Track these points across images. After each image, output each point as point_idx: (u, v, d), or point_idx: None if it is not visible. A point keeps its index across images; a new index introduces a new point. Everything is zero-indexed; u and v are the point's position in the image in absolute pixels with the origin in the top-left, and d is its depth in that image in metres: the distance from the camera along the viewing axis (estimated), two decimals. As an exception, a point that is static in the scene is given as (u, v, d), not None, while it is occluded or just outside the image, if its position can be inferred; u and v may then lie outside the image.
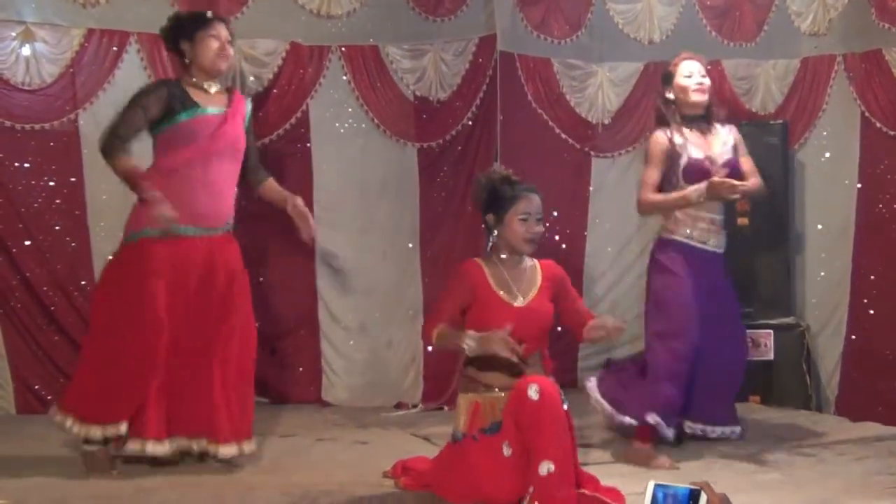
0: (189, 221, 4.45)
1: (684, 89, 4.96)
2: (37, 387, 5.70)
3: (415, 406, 6.11)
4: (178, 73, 4.84)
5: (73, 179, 5.78)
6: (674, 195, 4.85)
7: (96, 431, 4.36)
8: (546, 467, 3.68)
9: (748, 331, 5.43)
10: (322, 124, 6.12)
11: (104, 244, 5.82)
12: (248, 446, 4.54)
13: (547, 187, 6.37)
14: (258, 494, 4.10)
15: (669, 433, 4.76)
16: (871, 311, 5.97)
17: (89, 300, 4.76)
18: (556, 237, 6.44)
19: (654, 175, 4.90)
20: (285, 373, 6.16)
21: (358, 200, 6.24)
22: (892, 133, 5.91)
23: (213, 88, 4.60)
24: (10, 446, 4.88)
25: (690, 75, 4.97)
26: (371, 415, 5.88)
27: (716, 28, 6.62)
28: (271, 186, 4.86)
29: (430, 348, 6.17)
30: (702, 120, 4.99)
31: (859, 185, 6.07)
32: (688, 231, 4.89)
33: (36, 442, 4.97)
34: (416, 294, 6.27)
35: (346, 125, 6.20)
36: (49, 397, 5.67)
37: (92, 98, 5.77)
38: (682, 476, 4.26)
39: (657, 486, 2.46)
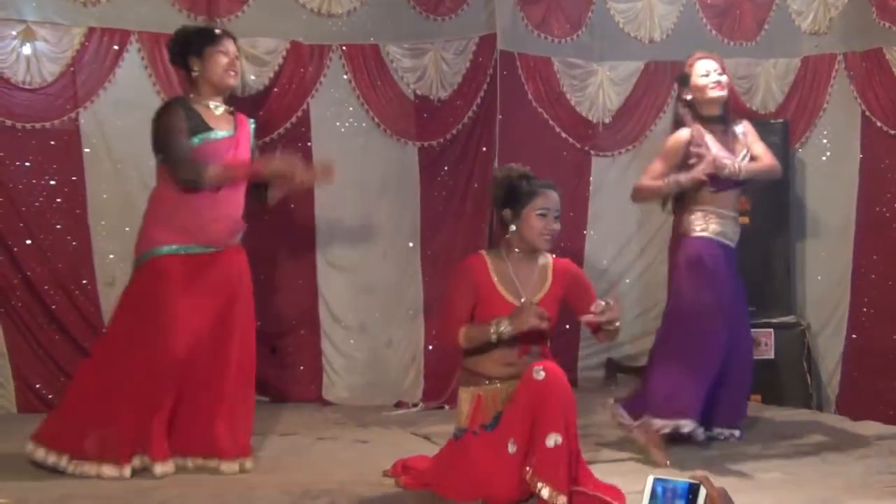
0: (200, 242, 4.45)
1: (702, 88, 4.93)
2: (38, 386, 5.70)
3: (415, 405, 6.10)
4: (184, 89, 4.83)
5: (73, 178, 5.78)
6: (654, 185, 4.87)
7: (107, 469, 4.28)
8: (553, 439, 3.69)
9: (749, 330, 5.45)
10: (323, 123, 6.13)
11: (105, 243, 5.84)
12: (249, 463, 4.54)
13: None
14: (258, 493, 4.10)
15: (701, 435, 4.78)
16: (872, 311, 5.97)
17: (109, 328, 4.65)
18: (556, 236, 6.45)
19: (658, 167, 4.90)
20: (286, 372, 6.17)
21: (358, 199, 6.24)
22: (892, 132, 5.92)
23: (220, 109, 4.57)
24: (10, 445, 4.86)
25: (707, 74, 4.94)
26: (371, 414, 5.88)
27: (716, 27, 6.62)
28: (271, 192, 4.82)
29: (428, 348, 6.23)
30: (720, 121, 4.95)
31: (860, 184, 6.07)
32: (718, 228, 4.89)
33: (36, 441, 4.97)
34: (416, 293, 6.27)
35: (347, 124, 6.20)
36: (50, 396, 5.69)
37: (93, 97, 5.76)
38: (682, 473, 4.26)
39: (656, 479, 2.46)
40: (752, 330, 5.69)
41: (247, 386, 4.63)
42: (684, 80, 5.01)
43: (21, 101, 5.66)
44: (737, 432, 5.03)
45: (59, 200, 5.78)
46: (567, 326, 6.15)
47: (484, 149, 6.20)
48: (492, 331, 3.88)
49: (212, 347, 4.47)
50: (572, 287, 4.14)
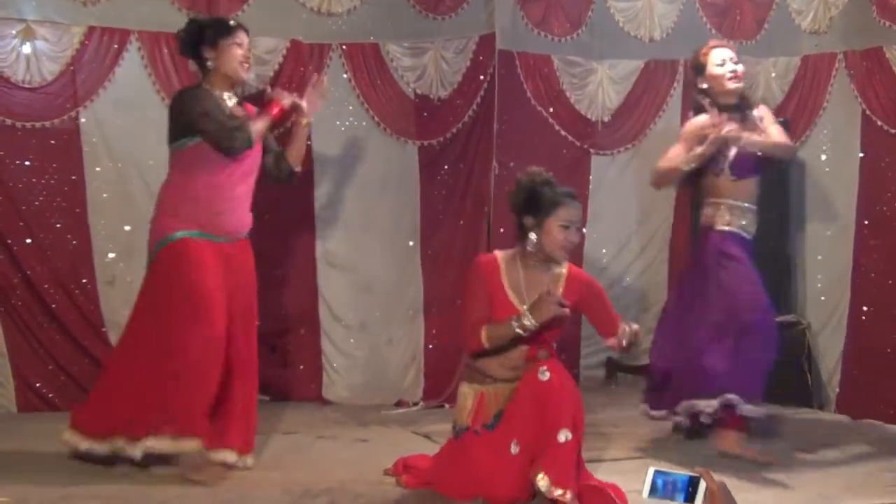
0: (215, 232, 4.45)
1: (718, 78, 4.91)
2: (38, 385, 5.70)
3: (415, 404, 6.10)
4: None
5: (73, 177, 5.77)
6: (671, 164, 4.86)
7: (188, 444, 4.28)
8: (564, 435, 3.71)
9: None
10: (322, 122, 6.12)
11: (105, 242, 5.84)
12: (251, 460, 4.56)
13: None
14: (259, 492, 4.11)
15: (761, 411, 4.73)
16: (873, 309, 5.96)
17: (133, 319, 4.56)
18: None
19: (678, 150, 4.87)
20: (286, 371, 6.16)
21: (358, 198, 6.24)
22: (892, 131, 5.90)
23: (232, 101, 4.55)
24: (10, 444, 4.88)
25: (723, 63, 4.91)
26: (372, 412, 5.88)
27: (716, 26, 6.62)
28: (290, 153, 4.81)
29: (428, 346, 6.23)
30: (736, 108, 4.93)
31: (860, 183, 6.06)
32: (743, 223, 4.88)
33: (37, 440, 4.95)
34: (416, 292, 6.27)
35: (347, 123, 6.20)
36: (50, 395, 5.69)
37: (92, 96, 5.75)
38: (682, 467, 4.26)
39: (657, 472, 2.46)
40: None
41: (252, 383, 4.63)
42: (699, 68, 4.98)
43: (21, 100, 5.65)
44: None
45: (58, 199, 5.76)
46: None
47: (484, 148, 6.19)
48: (515, 326, 3.86)
49: (233, 339, 4.48)
50: (585, 297, 4.10)
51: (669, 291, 5.35)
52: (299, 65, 6.06)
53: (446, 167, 6.27)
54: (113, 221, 5.85)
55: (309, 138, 6.07)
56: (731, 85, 4.91)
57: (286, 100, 4.68)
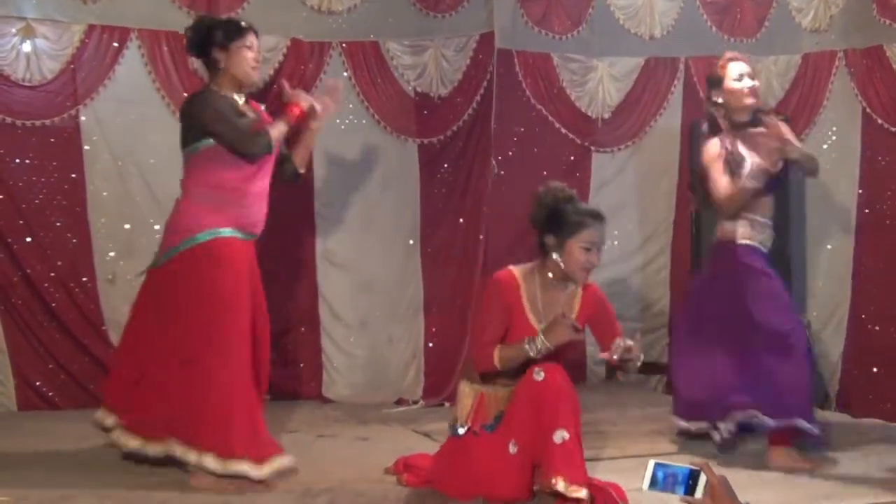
0: (244, 230, 4.41)
1: (735, 93, 4.81)
2: (38, 383, 5.70)
3: (416, 402, 6.10)
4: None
5: (73, 176, 5.77)
6: (744, 184, 4.71)
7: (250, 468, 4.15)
8: (560, 435, 3.69)
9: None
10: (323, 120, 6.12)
11: (105, 241, 5.84)
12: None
13: (546, 182, 6.45)
14: (259, 493, 4.10)
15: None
16: (873, 308, 5.96)
17: (169, 325, 4.37)
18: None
19: (723, 176, 4.74)
20: (286, 369, 6.15)
21: (359, 196, 6.23)
22: (893, 129, 5.90)
23: (241, 100, 4.50)
24: (10, 443, 4.88)
25: (740, 78, 4.81)
26: (372, 411, 5.88)
27: (716, 24, 6.62)
28: (296, 156, 4.77)
29: (428, 345, 6.23)
30: (749, 125, 4.84)
31: (860, 182, 6.06)
32: (762, 237, 4.83)
33: (36, 439, 4.97)
34: (416, 290, 6.27)
35: (347, 121, 6.19)
36: (50, 393, 5.69)
37: (92, 94, 5.75)
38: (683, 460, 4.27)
39: (657, 465, 2.46)
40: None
41: (265, 387, 4.63)
42: (716, 81, 4.88)
43: (21, 99, 5.66)
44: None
45: (58, 198, 5.77)
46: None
47: (484, 146, 6.19)
48: (527, 347, 3.81)
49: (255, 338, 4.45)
50: (596, 315, 4.07)
51: (684, 305, 5.18)
52: (299, 63, 6.06)
53: (446, 165, 6.26)
54: (113, 220, 5.85)
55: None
56: (748, 101, 4.81)
57: (304, 102, 4.61)
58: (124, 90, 5.82)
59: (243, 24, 4.51)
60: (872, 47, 6.02)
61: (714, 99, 4.89)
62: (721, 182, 4.75)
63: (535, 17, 6.47)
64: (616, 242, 6.75)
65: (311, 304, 6.17)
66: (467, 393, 4.04)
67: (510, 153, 6.46)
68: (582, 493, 3.67)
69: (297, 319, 6.17)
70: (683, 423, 4.89)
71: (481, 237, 6.17)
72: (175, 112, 5.79)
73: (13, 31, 5.61)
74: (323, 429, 5.39)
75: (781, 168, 4.80)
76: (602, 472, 4.14)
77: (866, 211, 6.04)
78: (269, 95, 5.87)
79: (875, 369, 5.85)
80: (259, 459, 4.16)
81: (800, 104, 6.40)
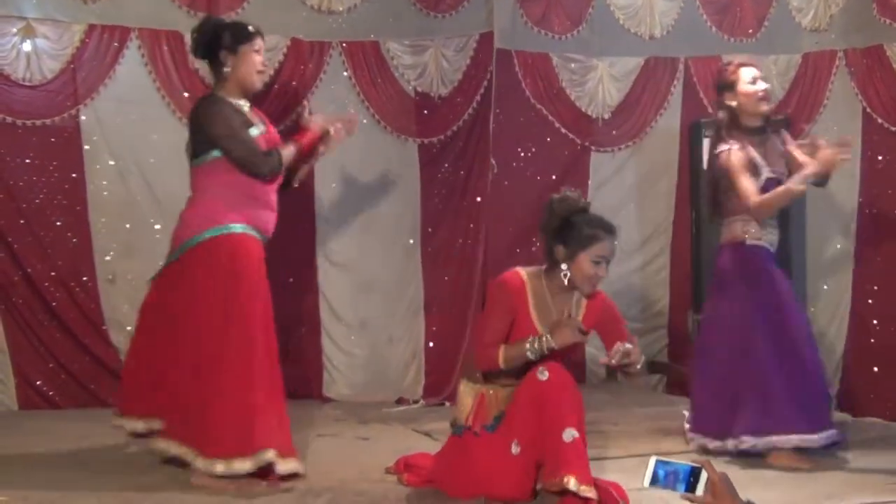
0: (254, 227, 4.39)
1: (750, 96, 4.79)
2: (38, 383, 5.70)
3: (416, 401, 6.11)
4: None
5: (74, 175, 5.78)
6: (780, 190, 4.72)
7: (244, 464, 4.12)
8: (570, 434, 3.69)
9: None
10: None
11: (105, 240, 5.84)
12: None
13: (546, 182, 6.47)
14: (260, 491, 4.10)
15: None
16: (874, 308, 5.96)
17: (189, 323, 4.29)
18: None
19: (750, 182, 4.73)
20: (286, 369, 6.12)
21: (359, 196, 6.23)
22: (893, 128, 5.90)
23: (246, 106, 4.47)
24: (11, 442, 4.87)
25: (754, 81, 4.80)
26: (372, 410, 5.88)
27: (716, 23, 6.63)
28: (297, 172, 4.74)
29: (429, 344, 6.23)
30: (760, 131, 4.85)
31: (861, 181, 6.06)
32: (772, 238, 4.86)
33: (37, 438, 4.97)
34: (416, 290, 6.28)
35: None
36: (51, 393, 5.69)
37: (93, 94, 5.76)
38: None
39: (658, 462, 2.46)
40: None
41: None
42: (729, 85, 4.85)
43: (21, 98, 5.66)
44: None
45: (59, 197, 5.77)
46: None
47: (484, 146, 6.20)
48: (532, 347, 3.80)
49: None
50: (602, 320, 4.05)
51: (706, 306, 5.21)
52: (299, 63, 6.06)
53: (447, 165, 6.27)
54: (113, 219, 5.85)
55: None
56: (763, 106, 4.80)
57: (318, 128, 4.59)
58: (124, 90, 5.83)
59: (251, 27, 4.46)
60: (872, 47, 6.02)
61: (728, 102, 4.84)
62: (752, 189, 4.72)
63: (535, 17, 6.47)
64: (616, 242, 6.74)
65: (311, 304, 6.17)
66: (467, 393, 4.04)
67: (510, 153, 6.46)
68: (592, 492, 3.67)
69: (297, 319, 6.16)
70: (706, 442, 4.83)
71: (481, 237, 6.18)
72: (175, 111, 5.82)
73: (13, 30, 5.62)
74: (323, 428, 5.39)
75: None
76: (603, 472, 4.13)
77: (867, 210, 6.04)
78: (269, 96, 5.90)
79: (876, 368, 5.85)
80: (286, 453, 4.17)
81: (800, 104, 6.40)
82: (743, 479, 4.15)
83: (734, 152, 4.76)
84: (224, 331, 4.20)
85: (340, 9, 6.11)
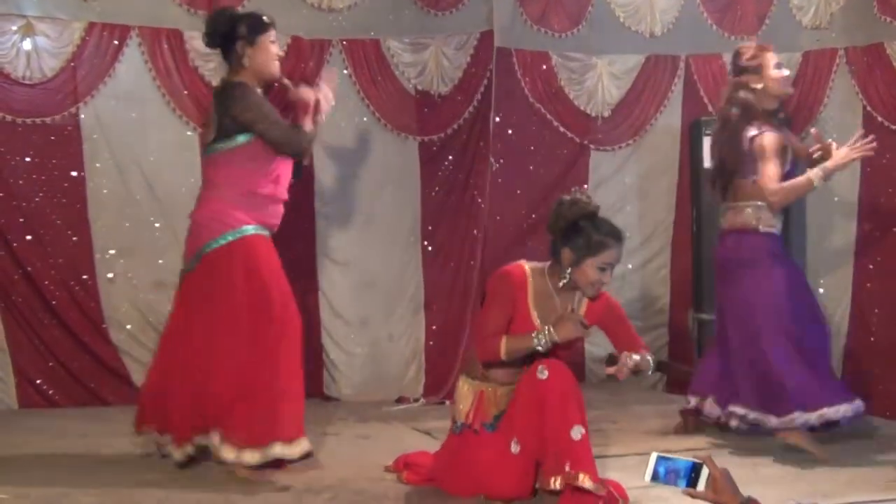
0: (270, 228, 4.44)
1: (779, 81, 4.89)
2: (38, 381, 5.70)
3: (416, 400, 6.11)
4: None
5: (73, 173, 5.77)
6: (800, 180, 4.80)
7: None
8: (578, 431, 3.70)
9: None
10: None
11: (105, 239, 5.84)
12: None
13: (546, 181, 6.47)
14: (260, 488, 4.10)
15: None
16: (874, 307, 5.96)
17: (214, 322, 4.31)
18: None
19: (778, 169, 4.78)
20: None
21: (359, 194, 6.23)
22: (893, 127, 5.89)
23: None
24: (10, 440, 4.87)
25: (779, 66, 4.90)
26: (372, 409, 5.88)
27: (717, 21, 6.62)
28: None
29: (429, 343, 6.23)
30: (775, 115, 4.91)
31: (861, 180, 6.06)
32: (780, 225, 4.92)
33: (37, 436, 4.97)
34: (417, 288, 6.28)
35: (347, 119, 6.19)
36: (51, 391, 5.69)
37: (93, 92, 5.75)
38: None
39: (660, 457, 2.46)
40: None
41: None
42: (754, 68, 4.90)
43: (21, 97, 5.66)
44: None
45: (59, 196, 5.77)
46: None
47: (484, 144, 6.20)
48: (535, 340, 3.79)
49: None
50: (607, 320, 4.04)
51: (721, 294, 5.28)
52: (300, 61, 6.05)
53: (447, 163, 6.27)
54: (113, 218, 5.85)
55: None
56: (789, 89, 4.95)
57: (310, 97, 4.57)
58: (125, 88, 5.82)
59: (266, 18, 4.49)
60: (873, 45, 6.02)
61: (753, 85, 4.86)
62: (778, 175, 4.77)
63: (535, 16, 6.47)
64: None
65: (311, 302, 6.16)
66: (466, 391, 4.03)
67: (509, 151, 6.46)
68: (603, 489, 3.69)
69: (297, 317, 6.17)
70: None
71: (481, 235, 6.18)
72: (175, 109, 5.82)
73: (13, 28, 5.61)
74: (323, 427, 5.37)
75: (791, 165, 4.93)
76: (603, 470, 4.13)
77: (867, 208, 6.04)
78: (269, 95, 5.87)
79: (876, 367, 5.84)
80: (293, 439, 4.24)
81: (800, 102, 6.39)
82: (741, 476, 4.14)
83: (771, 135, 4.80)
84: (255, 328, 4.27)
85: (341, 7, 6.11)
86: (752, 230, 4.87)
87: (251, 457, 4.17)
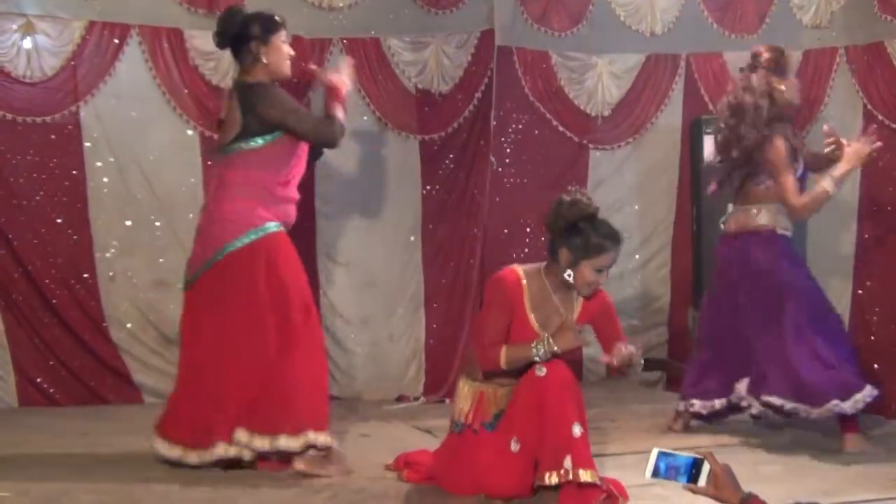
0: (283, 223, 4.46)
1: (797, 87, 4.99)
2: (38, 379, 5.70)
3: (416, 399, 6.11)
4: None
5: (74, 172, 5.77)
6: (818, 192, 4.84)
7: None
8: (578, 429, 3.71)
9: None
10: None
11: (105, 237, 5.84)
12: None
13: (545, 180, 6.47)
14: (261, 487, 4.10)
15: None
16: (875, 305, 5.95)
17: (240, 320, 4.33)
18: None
19: (794, 179, 4.85)
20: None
21: (359, 193, 6.23)
22: (894, 126, 5.89)
23: None
24: (11, 439, 4.87)
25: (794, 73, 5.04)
26: (373, 408, 5.89)
27: (717, 20, 6.62)
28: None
29: (429, 342, 6.23)
30: (789, 118, 5.00)
31: (862, 178, 6.05)
32: (791, 227, 4.97)
33: (37, 434, 4.98)
34: (417, 287, 6.28)
35: (348, 118, 6.17)
36: (51, 390, 5.69)
37: (93, 91, 5.75)
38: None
39: (661, 453, 2.47)
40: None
41: None
42: (783, 70, 4.96)
43: (21, 95, 5.66)
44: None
45: (59, 194, 5.77)
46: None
47: (485, 143, 6.20)
48: (534, 350, 3.80)
49: None
50: (599, 319, 4.06)
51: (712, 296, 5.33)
52: (300, 60, 6.02)
53: (447, 162, 6.27)
54: (114, 216, 5.85)
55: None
56: (799, 97, 5.05)
57: (340, 82, 4.63)
58: (125, 87, 5.82)
59: (277, 17, 4.52)
60: (873, 44, 6.02)
61: (778, 87, 4.92)
62: (796, 184, 4.85)
63: (535, 15, 6.47)
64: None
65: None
66: (466, 391, 4.04)
67: (509, 150, 6.46)
68: (605, 484, 3.73)
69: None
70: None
71: (481, 234, 6.17)
72: (175, 108, 5.83)
73: (14, 27, 5.61)
74: (324, 425, 5.39)
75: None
76: (603, 469, 4.12)
77: (868, 207, 6.04)
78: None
79: (876, 366, 5.83)
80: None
81: (801, 101, 6.38)
82: (741, 473, 4.15)
83: (783, 145, 4.83)
84: (275, 324, 4.31)
85: (341, 5, 6.10)
86: (769, 232, 4.91)
87: (286, 442, 4.23)
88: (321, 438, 4.27)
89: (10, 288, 5.66)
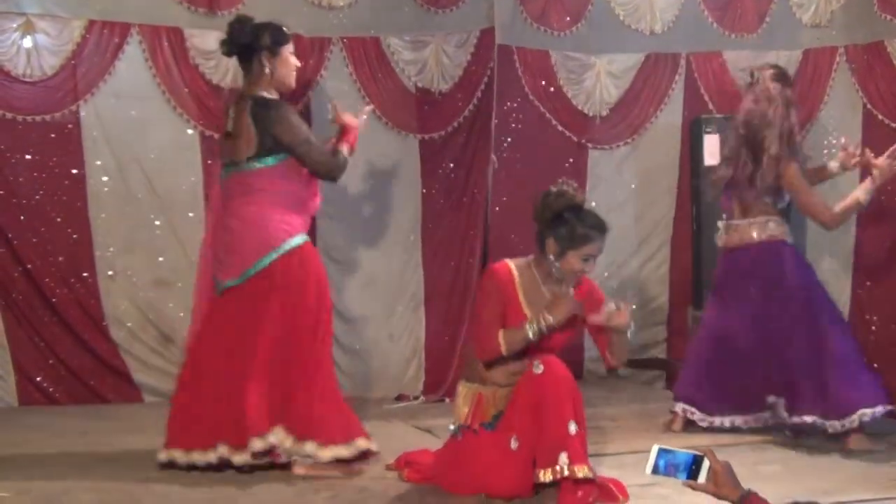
0: (306, 234, 4.50)
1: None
2: (38, 379, 5.70)
3: (416, 398, 6.11)
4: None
5: (74, 171, 5.78)
6: (850, 202, 4.92)
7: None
8: (574, 427, 3.72)
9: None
10: (324, 116, 6.10)
11: (105, 236, 5.84)
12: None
13: (545, 179, 6.45)
14: (261, 486, 4.10)
15: None
16: (874, 304, 5.96)
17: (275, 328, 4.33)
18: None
19: (818, 196, 4.97)
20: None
21: (359, 192, 6.23)
22: (894, 125, 5.90)
23: None
24: (11, 438, 4.88)
25: None
26: (373, 407, 5.87)
27: (717, 19, 6.62)
28: None
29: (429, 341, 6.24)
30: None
31: (861, 178, 6.04)
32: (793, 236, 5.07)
33: (37, 434, 4.98)
34: (417, 286, 6.28)
35: (348, 118, 6.19)
36: (51, 389, 5.69)
37: (93, 90, 5.76)
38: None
39: (661, 450, 2.47)
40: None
41: None
42: (791, 81, 5.11)
43: (21, 95, 5.66)
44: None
45: (59, 193, 5.78)
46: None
47: (484, 142, 6.20)
48: (532, 327, 3.82)
49: None
50: (585, 302, 4.02)
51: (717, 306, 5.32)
52: (300, 59, 6.01)
53: (447, 161, 6.27)
54: (113, 215, 5.85)
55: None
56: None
57: (355, 124, 4.69)
58: (125, 86, 5.83)
59: (286, 29, 4.52)
60: (873, 43, 6.03)
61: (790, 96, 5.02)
62: (815, 198, 4.95)
63: (535, 14, 6.47)
64: (612, 240, 6.71)
65: (312, 300, 6.17)
66: (465, 395, 4.04)
67: (509, 149, 6.45)
68: (597, 478, 3.75)
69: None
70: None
71: (481, 233, 6.17)
72: (176, 107, 5.83)
73: (14, 26, 5.61)
74: (324, 424, 5.39)
75: None
76: (602, 468, 4.13)
77: (867, 208, 6.03)
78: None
79: (875, 365, 5.83)
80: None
81: (801, 100, 6.33)
82: (740, 473, 4.15)
83: (797, 169, 4.92)
84: (315, 327, 4.39)
85: (341, 4, 6.10)
86: (780, 242, 4.99)
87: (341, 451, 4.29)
88: (370, 445, 4.39)
89: (9, 287, 5.67)
